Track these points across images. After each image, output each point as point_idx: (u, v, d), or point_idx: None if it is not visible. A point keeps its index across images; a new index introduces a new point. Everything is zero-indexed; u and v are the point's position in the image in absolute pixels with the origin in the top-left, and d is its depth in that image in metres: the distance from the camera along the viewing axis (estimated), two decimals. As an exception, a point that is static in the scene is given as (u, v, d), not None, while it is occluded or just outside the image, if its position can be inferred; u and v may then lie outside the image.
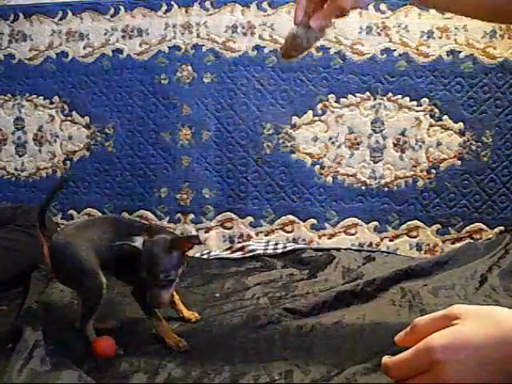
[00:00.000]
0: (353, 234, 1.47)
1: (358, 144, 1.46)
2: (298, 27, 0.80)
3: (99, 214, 1.54)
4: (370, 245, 1.46)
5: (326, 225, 1.47)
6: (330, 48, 1.45)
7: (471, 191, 1.42)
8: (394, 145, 1.44)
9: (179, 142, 1.52)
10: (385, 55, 1.43)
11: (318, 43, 1.44)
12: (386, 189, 1.45)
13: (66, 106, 1.56)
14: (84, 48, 1.54)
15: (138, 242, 0.86)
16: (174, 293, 0.97)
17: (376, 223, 1.46)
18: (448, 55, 1.41)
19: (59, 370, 0.80)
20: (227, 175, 1.50)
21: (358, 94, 1.45)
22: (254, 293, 1.12)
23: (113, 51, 1.53)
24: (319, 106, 1.46)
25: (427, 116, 1.42)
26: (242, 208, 1.50)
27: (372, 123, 1.45)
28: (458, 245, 1.40)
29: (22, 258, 1.22)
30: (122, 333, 0.93)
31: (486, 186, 1.41)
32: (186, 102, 1.51)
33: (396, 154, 1.44)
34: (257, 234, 1.50)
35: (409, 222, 1.44)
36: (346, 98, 1.45)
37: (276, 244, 1.44)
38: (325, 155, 1.47)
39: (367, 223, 1.46)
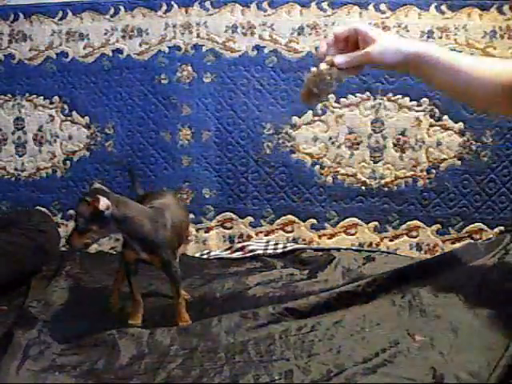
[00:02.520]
0: (353, 234, 1.47)
1: (358, 144, 1.46)
2: (321, 65, 0.86)
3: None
4: (370, 245, 1.46)
5: (326, 225, 1.47)
6: (330, 48, 1.45)
7: (471, 191, 1.42)
8: (394, 145, 1.44)
9: (179, 142, 1.52)
10: (385, 55, 1.43)
11: (318, 43, 1.46)
12: (386, 189, 1.45)
13: (66, 106, 1.56)
14: (84, 48, 1.54)
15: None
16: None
17: (376, 223, 1.46)
18: (448, 55, 1.41)
19: (57, 370, 0.80)
20: (227, 175, 1.50)
21: (358, 94, 1.45)
22: (254, 293, 1.12)
23: (113, 51, 1.53)
24: (319, 105, 1.46)
25: (427, 116, 1.42)
26: (242, 208, 1.50)
27: (372, 123, 1.45)
28: (457, 245, 1.40)
29: (24, 261, 1.22)
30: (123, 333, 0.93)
31: (486, 186, 1.41)
32: (186, 102, 1.51)
33: (396, 153, 1.44)
34: (257, 234, 1.50)
35: (409, 222, 1.45)
36: (346, 98, 1.45)
37: (276, 244, 1.44)
38: (325, 155, 1.47)
39: (367, 223, 1.46)
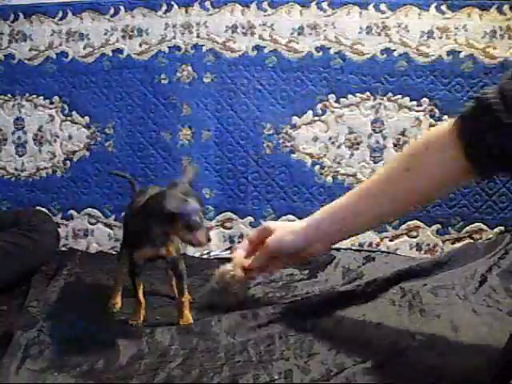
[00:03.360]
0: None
1: (358, 144, 1.46)
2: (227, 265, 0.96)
3: (99, 214, 1.55)
4: (370, 245, 1.46)
5: (326, 225, 1.47)
6: (330, 48, 1.45)
7: (471, 191, 1.42)
8: (394, 145, 1.44)
9: (179, 142, 1.52)
10: (385, 55, 1.43)
11: (318, 43, 1.46)
12: (386, 189, 1.45)
13: (66, 106, 1.56)
14: (84, 48, 1.54)
15: None
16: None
17: (376, 223, 1.46)
18: (448, 55, 1.41)
19: (57, 370, 0.80)
20: (227, 175, 1.50)
21: (358, 94, 1.45)
22: (254, 293, 1.12)
23: (113, 51, 1.53)
24: (319, 106, 1.46)
25: (427, 116, 1.42)
26: (242, 208, 1.50)
27: (372, 123, 1.45)
28: (457, 245, 1.40)
29: (24, 261, 1.22)
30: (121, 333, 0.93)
31: (485, 186, 1.41)
32: (186, 101, 1.51)
33: (396, 153, 1.44)
34: (257, 234, 1.50)
35: (409, 222, 1.44)
36: (346, 98, 1.45)
37: (276, 244, 1.44)
38: (325, 155, 1.47)
39: (367, 223, 1.46)
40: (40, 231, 1.28)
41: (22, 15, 1.57)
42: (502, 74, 0.77)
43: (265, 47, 1.48)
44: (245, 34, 1.48)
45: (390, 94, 1.43)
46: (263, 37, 1.48)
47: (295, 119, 1.47)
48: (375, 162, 1.45)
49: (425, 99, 1.42)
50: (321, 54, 1.46)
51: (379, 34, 1.44)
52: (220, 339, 0.89)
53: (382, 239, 1.45)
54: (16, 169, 1.60)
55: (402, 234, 1.45)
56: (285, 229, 0.91)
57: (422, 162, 0.77)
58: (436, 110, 1.42)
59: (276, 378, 0.77)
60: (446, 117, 1.41)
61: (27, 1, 1.57)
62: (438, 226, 1.43)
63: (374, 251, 1.40)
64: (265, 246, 0.90)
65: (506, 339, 0.67)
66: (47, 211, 1.52)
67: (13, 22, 1.57)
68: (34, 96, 1.57)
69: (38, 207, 1.54)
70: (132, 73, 1.52)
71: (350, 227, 0.88)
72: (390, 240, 1.45)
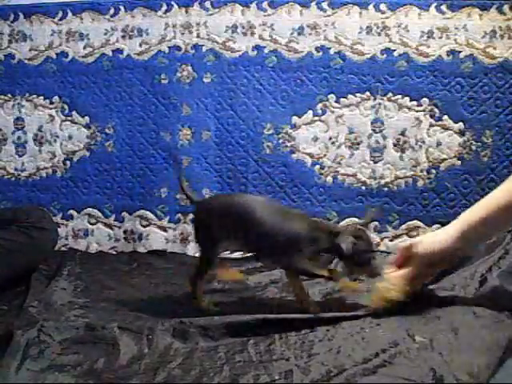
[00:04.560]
0: (353, 234, 1.47)
1: (358, 144, 1.46)
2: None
3: (99, 214, 1.55)
4: (370, 245, 1.45)
5: (326, 225, 1.47)
6: (330, 48, 1.45)
7: (471, 191, 1.42)
8: (394, 145, 1.44)
9: (179, 142, 1.52)
10: (385, 55, 1.43)
11: (318, 43, 1.46)
12: (385, 189, 1.45)
13: (66, 106, 1.56)
14: (84, 48, 1.54)
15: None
16: None
17: (376, 223, 1.45)
18: (448, 55, 1.41)
19: (57, 369, 0.80)
20: (227, 175, 1.50)
21: (358, 94, 1.45)
22: (254, 293, 1.12)
23: (113, 51, 1.53)
24: (319, 105, 1.46)
25: (427, 116, 1.42)
26: (242, 208, 1.50)
27: (372, 123, 1.45)
28: (458, 245, 1.40)
29: (23, 259, 1.22)
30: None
31: (485, 185, 1.41)
32: (186, 101, 1.51)
33: (396, 153, 1.44)
34: (257, 234, 1.49)
35: (409, 222, 1.44)
36: (346, 98, 1.45)
37: (276, 244, 1.44)
38: (325, 155, 1.47)
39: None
40: (38, 228, 1.28)
41: (21, 15, 1.57)
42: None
43: (265, 47, 1.48)
44: (245, 34, 1.48)
45: (390, 94, 1.43)
46: (263, 37, 1.48)
47: (295, 119, 1.47)
48: (375, 162, 1.45)
49: (425, 99, 1.42)
50: (321, 54, 1.46)
51: (379, 34, 1.44)
52: (220, 339, 0.90)
53: (382, 239, 1.45)
54: (16, 169, 1.60)
55: (402, 234, 1.45)
56: (429, 237, 1.01)
57: None
58: (436, 110, 1.42)
59: (276, 378, 0.77)
60: (446, 117, 1.41)
61: (27, 1, 1.57)
62: (438, 226, 1.43)
63: (374, 251, 1.40)
64: (414, 255, 0.97)
65: (506, 342, 0.67)
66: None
67: (13, 21, 1.58)
68: (34, 96, 1.58)
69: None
70: (132, 73, 1.52)
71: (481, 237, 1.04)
72: (390, 240, 1.45)
